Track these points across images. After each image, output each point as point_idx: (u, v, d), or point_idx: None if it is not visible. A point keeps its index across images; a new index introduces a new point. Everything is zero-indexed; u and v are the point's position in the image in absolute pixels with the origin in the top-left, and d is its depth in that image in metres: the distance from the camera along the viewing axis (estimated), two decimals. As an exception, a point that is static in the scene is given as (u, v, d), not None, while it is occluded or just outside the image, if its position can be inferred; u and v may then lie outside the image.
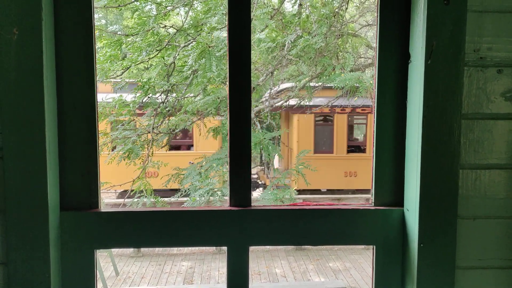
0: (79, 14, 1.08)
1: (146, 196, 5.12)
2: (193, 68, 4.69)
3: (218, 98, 5.08)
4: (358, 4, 7.87)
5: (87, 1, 1.08)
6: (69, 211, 1.11)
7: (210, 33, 4.72)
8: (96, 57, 1.17)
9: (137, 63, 5.13)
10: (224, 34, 4.61)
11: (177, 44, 5.12)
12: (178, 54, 5.03)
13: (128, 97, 5.40)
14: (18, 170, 1.02)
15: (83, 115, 1.10)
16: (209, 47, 4.46)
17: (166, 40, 5.05)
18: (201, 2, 5.26)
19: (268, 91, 6.26)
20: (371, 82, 5.23)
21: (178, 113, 5.57)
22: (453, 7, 1.04)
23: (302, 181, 5.79)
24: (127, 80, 5.38)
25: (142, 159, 5.25)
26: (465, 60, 1.06)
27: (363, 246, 8.53)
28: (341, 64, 5.58)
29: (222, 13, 4.63)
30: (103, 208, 1.15)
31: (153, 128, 5.28)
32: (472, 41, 1.07)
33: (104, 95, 5.52)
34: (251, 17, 1.14)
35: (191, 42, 4.97)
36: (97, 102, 1.12)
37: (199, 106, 5.27)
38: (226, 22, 1.13)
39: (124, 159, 5.11)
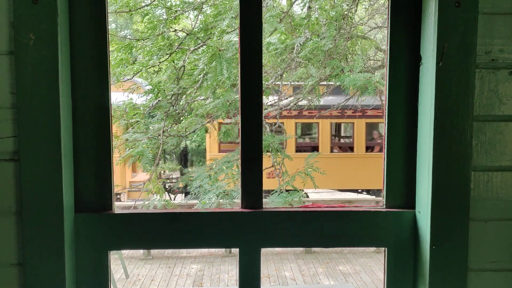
0: (93, 19, 1.10)
1: (159, 199, 5.15)
2: (204, 72, 4.72)
3: (228, 101, 5.10)
4: (367, 6, 7.85)
5: (101, 6, 1.10)
6: (83, 213, 1.13)
7: (220, 36, 4.75)
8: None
9: (148, 67, 5.17)
10: (234, 37, 4.63)
11: (187, 47, 5.15)
12: (187, 58, 5.06)
13: (139, 100, 5.44)
14: (34, 172, 1.04)
15: (97, 118, 1.12)
16: (220, 50, 4.49)
17: (176, 44, 5.09)
18: (210, 5, 5.29)
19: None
20: (378, 80, 5.22)
21: (189, 116, 5.60)
22: (464, 9, 1.04)
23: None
24: (138, 80, 5.42)
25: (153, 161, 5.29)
26: (476, 62, 1.06)
27: (373, 249, 8.47)
28: (350, 66, 5.58)
29: (232, 17, 4.65)
30: (116, 210, 1.17)
31: (163, 131, 5.31)
32: (484, 43, 1.06)
33: (114, 98, 5.57)
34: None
35: (201, 46, 5.00)
36: (111, 105, 1.14)
37: (209, 109, 5.30)
38: (238, 26, 1.14)
39: (135, 163, 5.15)
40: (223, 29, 4.74)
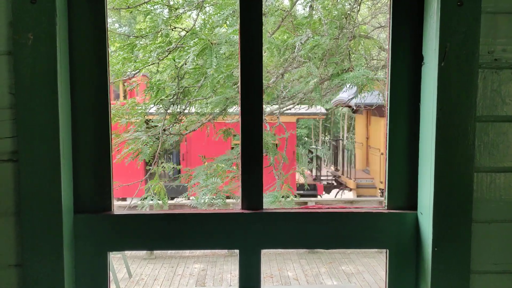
0: (92, 18, 1.09)
1: (159, 199, 5.14)
2: (194, 63, 4.70)
3: (227, 99, 5.07)
4: (370, 6, 7.82)
5: (100, 5, 1.09)
6: (82, 213, 1.12)
7: (212, 29, 4.74)
8: (109, 60, 1.18)
9: (147, 64, 5.16)
10: (224, 29, 4.64)
11: (188, 46, 5.12)
12: (188, 57, 5.04)
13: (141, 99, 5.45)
14: (33, 173, 1.03)
15: (96, 118, 1.11)
16: (212, 43, 4.48)
17: (176, 42, 5.07)
18: (212, 5, 5.27)
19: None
20: (373, 77, 5.21)
21: (191, 115, 5.59)
22: (466, 8, 1.03)
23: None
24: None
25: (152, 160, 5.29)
26: (479, 62, 1.05)
27: (376, 250, 8.45)
28: (353, 65, 5.56)
29: (230, 13, 4.65)
30: (116, 210, 1.16)
31: (164, 130, 5.30)
32: (486, 43, 1.05)
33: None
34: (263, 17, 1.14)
35: (187, 33, 4.97)
36: (110, 105, 1.13)
37: (210, 108, 5.29)
38: (238, 23, 1.13)
39: (133, 159, 5.14)
40: (213, 21, 4.73)
